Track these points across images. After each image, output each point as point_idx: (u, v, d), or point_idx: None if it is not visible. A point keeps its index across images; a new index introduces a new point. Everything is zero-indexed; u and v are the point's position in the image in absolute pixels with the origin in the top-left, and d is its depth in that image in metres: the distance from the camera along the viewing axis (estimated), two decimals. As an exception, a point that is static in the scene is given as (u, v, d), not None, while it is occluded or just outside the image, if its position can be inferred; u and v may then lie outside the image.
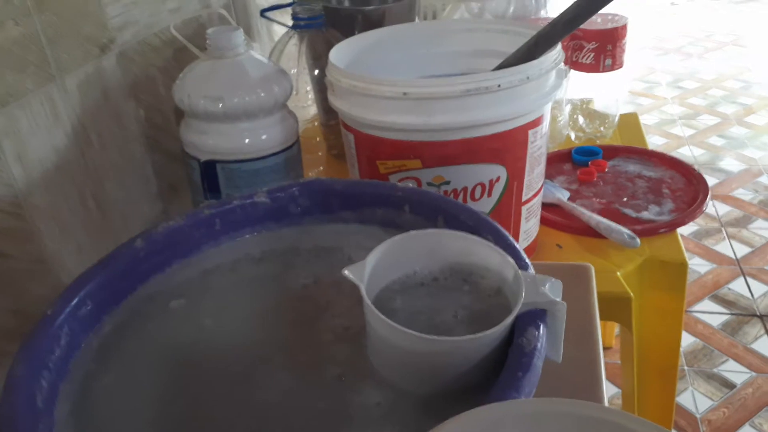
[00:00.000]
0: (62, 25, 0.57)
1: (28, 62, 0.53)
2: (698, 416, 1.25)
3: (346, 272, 0.35)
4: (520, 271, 0.35)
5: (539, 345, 0.32)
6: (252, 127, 0.65)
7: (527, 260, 0.38)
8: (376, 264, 0.36)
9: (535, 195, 0.66)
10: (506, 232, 0.41)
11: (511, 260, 0.36)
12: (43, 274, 0.54)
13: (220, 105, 0.62)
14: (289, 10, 0.87)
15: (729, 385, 1.31)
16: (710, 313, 1.49)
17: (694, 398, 1.29)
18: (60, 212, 0.57)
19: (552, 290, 0.34)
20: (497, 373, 0.32)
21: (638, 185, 0.86)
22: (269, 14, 0.94)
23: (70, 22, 0.58)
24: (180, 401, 0.36)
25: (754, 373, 1.33)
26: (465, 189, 0.61)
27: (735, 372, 1.34)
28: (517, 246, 0.39)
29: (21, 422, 0.32)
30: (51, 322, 0.37)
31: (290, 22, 0.87)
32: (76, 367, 0.37)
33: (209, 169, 0.66)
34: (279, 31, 0.96)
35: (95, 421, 0.35)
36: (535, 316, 0.34)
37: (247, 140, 0.65)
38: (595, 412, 0.24)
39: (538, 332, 0.33)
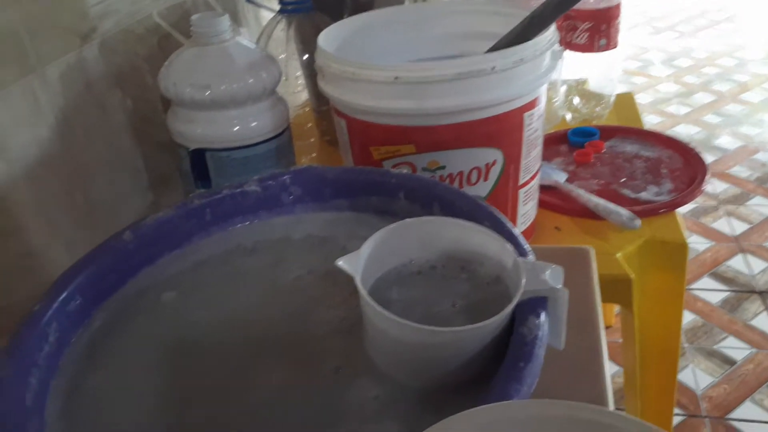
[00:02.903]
0: (41, 14, 0.55)
1: (7, 54, 0.52)
2: (699, 393, 1.25)
3: (340, 263, 0.34)
4: (519, 258, 0.34)
5: (540, 334, 0.31)
6: (241, 114, 0.63)
7: (527, 246, 0.37)
8: (371, 254, 0.35)
9: (532, 178, 0.65)
10: (504, 218, 0.39)
11: (510, 247, 0.35)
12: (30, 270, 0.53)
13: (207, 93, 0.61)
14: (276, -6, 0.86)
15: (729, 361, 1.31)
16: (710, 291, 1.49)
17: (695, 375, 1.29)
18: (46, 207, 0.56)
19: (552, 277, 0.33)
20: (498, 364, 0.31)
21: (636, 165, 0.85)
22: (256, -1, 0.92)
23: (49, 12, 0.56)
24: (173, 396, 0.35)
25: (754, 349, 1.33)
26: (461, 174, 0.60)
27: (735, 348, 1.34)
28: (516, 232, 0.38)
29: (10, 421, 0.31)
30: (39, 318, 0.36)
31: (277, 7, 0.85)
32: (66, 364, 0.37)
33: (198, 158, 0.65)
34: (266, 16, 0.94)
35: (87, 418, 0.34)
36: (535, 304, 0.33)
37: (236, 128, 0.63)
38: (592, 414, 0.23)
39: (539, 320, 0.32)
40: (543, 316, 0.32)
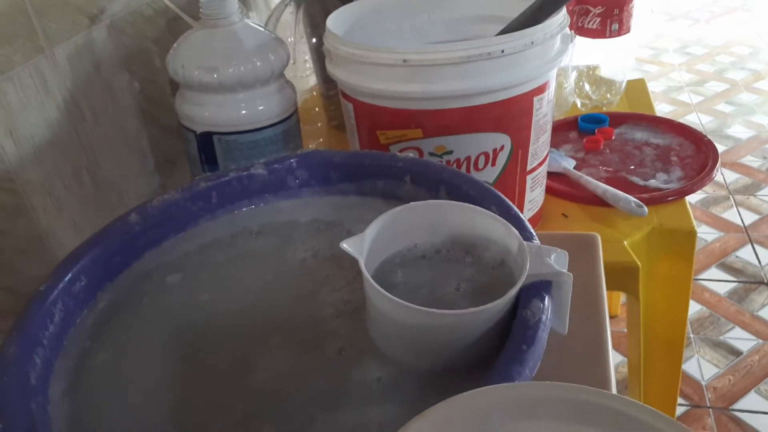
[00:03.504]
0: (50, -6, 0.55)
1: (16, 34, 0.52)
2: (704, 384, 1.25)
3: (344, 245, 0.34)
4: (524, 242, 0.34)
5: (544, 317, 0.31)
6: (248, 97, 0.63)
7: (532, 231, 0.37)
8: (375, 237, 0.35)
9: (540, 164, 0.65)
10: (510, 203, 0.39)
11: (515, 231, 0.35)
12: (37, 251, 0.53)
13: (215, 75, 0.61)
14: (286, -24, 0.85)
15: (735, 352, 1.31)
16: (717, 281, 1.49)
17: (700, 366, 1.28)
18: (54, 188, 0.56)
19: (557, 261, 0.33)
20: (502, 347, 0.31)
21: (646, 153, 0.84)
22: (265, -18, 0.92)
23: (58, -8, 0.56)
24: (178, 378, 0.35)
25: (760, 341, 1.33)
26: (468, 159, 0.59)
27: (741, 339, 1.33)
28: (522, 216, 0.38)
29: (14, 399, 0.31)
30: (44, 298, 0.36)
31: (287, -10, 0.85)
32: (70, 344, 0.37)
33: (206, 142, 0.65)
34: (276, -1, 0.93)
35: (90, 398, 0.34)
36: (540, 287, 0.33)
37: (243, 111, 0.63)
38: (590, 396, 0.23)
39: (543, 304, 0.32)
40: (547, 300, 0.32)
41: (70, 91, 0.58)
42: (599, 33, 0.92)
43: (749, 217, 1.67)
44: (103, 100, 0.63)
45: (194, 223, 0.45)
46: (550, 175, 0.75)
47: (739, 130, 2.05)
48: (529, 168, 0.63)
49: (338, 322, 0.37)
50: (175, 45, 0.64)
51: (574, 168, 0.81)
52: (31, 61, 0.53)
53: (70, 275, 0.38)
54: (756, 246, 1.58)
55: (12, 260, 0.51)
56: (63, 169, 0.57)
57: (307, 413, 0.32)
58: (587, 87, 0.97)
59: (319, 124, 0.92)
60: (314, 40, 0.85)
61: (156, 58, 0.71)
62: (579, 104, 0.98)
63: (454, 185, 0.42)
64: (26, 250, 0.53)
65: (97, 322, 0.38)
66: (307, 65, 0.90)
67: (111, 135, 0.64)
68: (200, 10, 0.63)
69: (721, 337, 1.35)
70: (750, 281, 1.48)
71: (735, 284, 1.47)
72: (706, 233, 1.63)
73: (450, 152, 0.59)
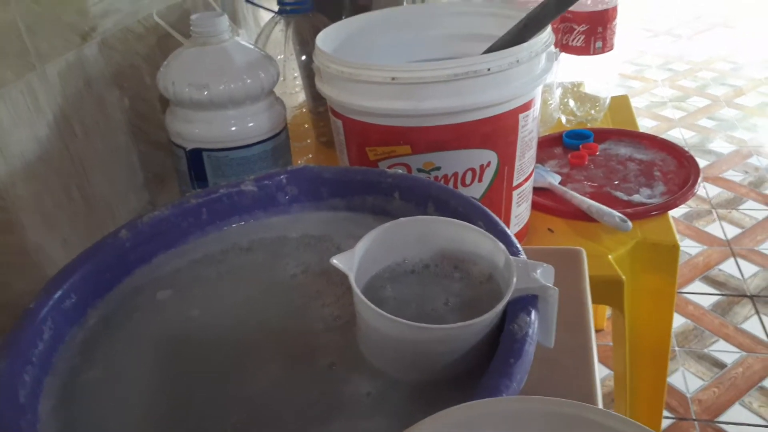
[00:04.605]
0: (41, 12, 0.55)
1: (7, 51, 0.52)
2: (689, 396, 1.26)
3: (334, 261, 0.35)
4: (511, 257, 0.34)
5: (531, 331, 0.32)
6: (238, 114, 0.64)
7: (518, 246, 0.38)
8: (365, 252, 0.36)
9: (526, 179, 0.66)
10: (497, 218, 0.40)
11: (503, 246, 0.35)
12: (26, 268, 0.53)
13: (206, 92, 0.61)
14: (275, -6, 0.86)
15: (719, 364, 1.32)
16: (701, 294, 1.50)
17: (685, 378, 1.29)
18: (43, 204, 0.56)
19: (544, 275, 0.34)
20: (489, 360, 0.31)
21: (629, 168, 0.86)
22: (255, -1, 0.93)
23: (49, 10, 0.56)
24: (169, 394, 0.35)
25: (744, 353, 1.34)
26: (455, 174, 0.60)
27: (725, 352, 1.35)
28: (509, 231, 0.39)
29: (2, 418, 0.31)
30: (34, 316, 0.36)
31: (276, 7, 0.86)
32: (60, 362, 0.37)
33: (196, 158, 0.65)
34: (265, 16, 0.94)
35: (81, 416, 0.34)
36: (526, 301, 0.33)
37: (233, 128, 0.64)
38: (575, 410, 0.23)
39: (530, 318, 0.32)
40: (533, 314, 0.33)
41: (61, 107, 0.58)
42: (583, 50, 0.93)
43: (732, 231, 1.69)
44: (93, 116, 0.63)
45: (184, 239, 0.45)
46: (536, 190, 0.76)
47: (720, 145, 2.09)
48: (515, 183, 0.64)
49: (328, 337, 0.37)
50: (165, 62, 0.65)
51: (560, 183, 0.82)
52: (22, 78, 0.54)
53: (60, 292, 0.38)
54: (738, 259, 1.60)
55: (1, 277, 0.51)
56: (53, 185, 0.57)
57: (298, 427, 0.33)
58: (572, 103, 0.99)
59: (309, 141, 0.93)
60: (303, 57, 0.86)
61: (146, 75, 0.72)
62: (564, 120, 0.99)
63: (442, 201, 0.43)
64: (14, 267, 0.53)
65: (88, 338, 0.38)
66: (297, 82, 0.91)
67: (101, 151, 0.64)
68: (191, 27, 0.64)
69: (706, 350, 1.36)
70: (733, 294, 1.50)
71: (719, 297, 1.49)
72: (689, 247, 1.65)
73: (438, 168, 0.60)
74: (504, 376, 0.30)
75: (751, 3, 3.30)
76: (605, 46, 0.93)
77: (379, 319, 0.33)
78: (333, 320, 0.38)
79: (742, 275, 1.54)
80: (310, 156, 0.91)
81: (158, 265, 0.44)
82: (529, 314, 0.33)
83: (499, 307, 0.32)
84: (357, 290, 0.33)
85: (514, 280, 0.33)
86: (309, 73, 0.86)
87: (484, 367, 0.31)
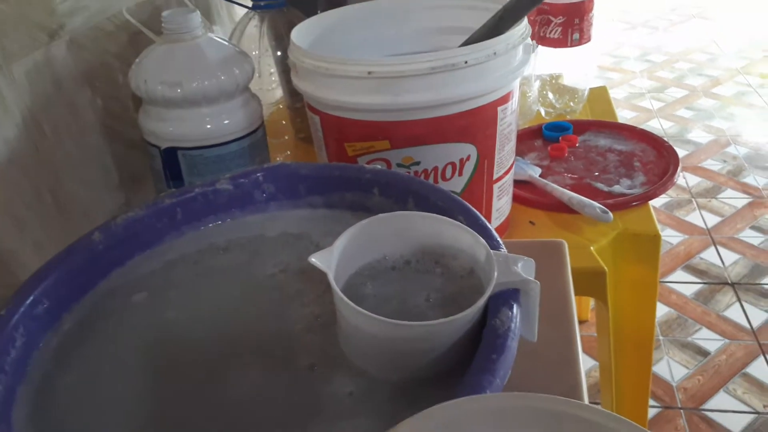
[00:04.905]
0: (6, 10, 0.54)
1: (-29, 51, 0.50)
2: (674, 384, 1.27)
3: (312, 259, 0.34)
4: (491, 251, 0.34)
5: (513, 326, 0.31)
6: (213, 112, 0.63)
7: (499, 239, 0.37)
8: (344, 250, 0.35)
9: (506, 173, 0.65)
10: (477, 212, 0.40)
11: (483, 240, 0.35)
12: (-3, 273, 0.52)
13: (179, 90, 0.60)
14: (249, -10, 0.85)
15: (703, 352, 1.33)
16: (683, 283, 1.52)
17: (670, 367, 1.30)
18: (14, 207, 0.54)
19: (525, 269, 0.33)
20: (472, 356, 0.31)
21: (609, 159, 0.86)
22: (229, -5, 0.91)
23: (14, 8, 0.55)
24: (147, 399, 0.34)
25: (727, 340, 1.35)
26: (435, 169, 0.60)
27: (708, 340, 1.36)
28: (489, 225, 0.38)
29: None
30: (5, 323, 0.35)
31: (250, 3, 0.85)
32: (34, 369, 0.36)
33: (170, 157, 0.64)
34: (239, 12, 0.93)
35: (56, 423, 0.34)
36: (508, 296, 0.33)
37: (208, 126, 0.63)
38: (561, 406, 0.23)
39: (512, 312, 0.32)
40: (515, 309, 0.32)
41: (30, 108, 0.57)
42: (561, 42, 0.93)
43: (711, 220, 1.71)
44: (64, 116, 0.62)
45: (159, 240, 0.44)
46: (517, 183, 0.76)
47: (699, 135, 2.11)
48: (495, 177, 0.64)
49: (309, 337, 0.37)
50: (137, 60, 0.63)
51: (540, 176, 0.82)
52: (-13, 78, 0.52)
53: (31, 298, 0.37)
54: (719, 247, 1.61)
55: (-30, 283, 0.50)
56: (23, 187, 0.56)
57: (281, 429, 0.32)
58: (551, 95, 0.99)
59: (286, 137, 0.92)
60: (279, 53, 0.85)
61: (118, 73, 0.70)
62: (543, 113, 0.99)
63: (422, 196, 0.42)
64: (-14, 273, 0.51)
65: (62, 344, 0.38)
66: (273, 78, 0.89)
67: (73, 152, 0.63)
68: (162, 24, 0.63)
69: (689, 338, 1.37)
70: (714, 282, 1.51)
71: (700, 286, 1.50)
72: (670, 236, 1.66)
73: (417, 163, 0.59)
74: (487, 372, 0.29)
75: (725, -6, 3.33)
76: (582, 38, 0.93)
77: (359, 317, 0.32)
78: (314, 319, 0.38)
79: (723, 263, 1.56)
80: (289, 153, 0.90)
81: (133, 267, 0.43)
82: (511, 308, 0.32)
83: (481, 301, 0.32)
84: (336, 288, 0.33)
85: (495, 274, 0.33)
86: (285, 68, 0.85)
87: (466, 363, 0.31)
